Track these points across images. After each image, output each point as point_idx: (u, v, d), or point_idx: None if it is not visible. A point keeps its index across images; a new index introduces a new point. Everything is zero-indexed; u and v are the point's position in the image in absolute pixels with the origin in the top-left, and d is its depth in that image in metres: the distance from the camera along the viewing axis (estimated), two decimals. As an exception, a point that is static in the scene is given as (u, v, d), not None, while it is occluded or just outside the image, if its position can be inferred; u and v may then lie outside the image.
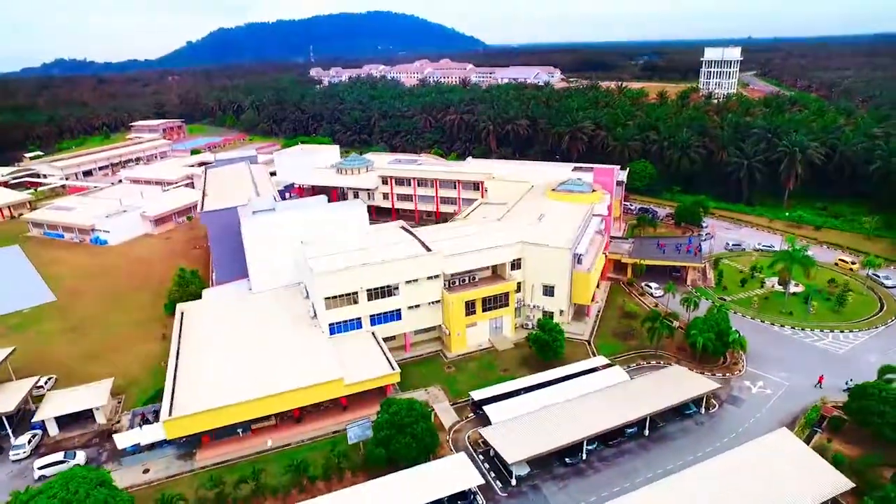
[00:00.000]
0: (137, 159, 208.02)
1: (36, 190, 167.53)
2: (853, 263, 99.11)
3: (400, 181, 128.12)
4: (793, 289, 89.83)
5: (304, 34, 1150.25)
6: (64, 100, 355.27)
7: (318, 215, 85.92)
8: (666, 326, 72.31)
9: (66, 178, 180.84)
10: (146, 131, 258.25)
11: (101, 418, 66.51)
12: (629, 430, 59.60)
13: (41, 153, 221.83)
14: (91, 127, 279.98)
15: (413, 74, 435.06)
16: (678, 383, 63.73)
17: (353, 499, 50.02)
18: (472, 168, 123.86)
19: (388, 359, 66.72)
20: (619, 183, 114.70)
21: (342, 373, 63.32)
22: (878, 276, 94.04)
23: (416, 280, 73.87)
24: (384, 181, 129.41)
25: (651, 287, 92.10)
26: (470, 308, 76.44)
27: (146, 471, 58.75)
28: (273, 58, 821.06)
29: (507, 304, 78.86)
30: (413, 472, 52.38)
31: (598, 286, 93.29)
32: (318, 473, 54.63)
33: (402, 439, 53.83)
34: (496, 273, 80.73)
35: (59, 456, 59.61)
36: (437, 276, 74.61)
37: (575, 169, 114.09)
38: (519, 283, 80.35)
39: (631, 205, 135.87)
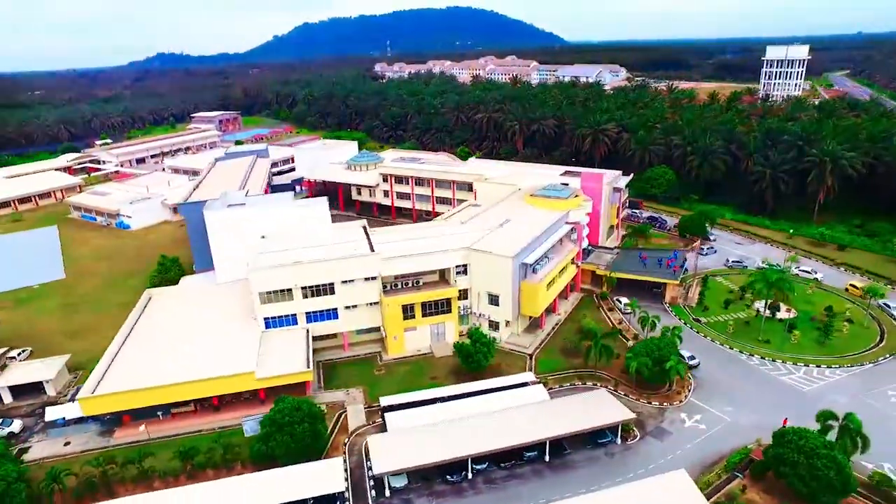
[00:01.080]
0: (187, 149, 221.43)
1: (89, 175, 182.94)
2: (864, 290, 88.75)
3: (399, 179, 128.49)
4: (783, 314, 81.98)
5: (384, 29, 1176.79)
6: (147, 91, 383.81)
7: (281, 211, 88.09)
8: (602, 346, 68.16)
9: (121, 165, 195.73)
10: (204, 122, 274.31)
11: (50, 391, 71.93)
12: (528, 454, 56.83)
13: (109, 140, 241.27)
14: (161, 117, 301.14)
15: (474, 71, 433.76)
16: (595, 409, 59.95)
17: (218, 490, 51.27)
18: (467, 169, 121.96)
19: (306, 357, 67.45)
20: (616, 189, 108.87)
21: (254, 366, 64.79)
22: (890, 307, 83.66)
23: (352, 280, 74.04)
24: (385, 179, 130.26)
25: (620, 302, 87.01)
26: (408, 312, 75.65)
27: (67, 443, 63.01)
28: (352, 52, 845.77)
29: (449, 311, 77.34)
30: (282, 472, 52.91)
31: (566, 297, 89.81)
32: (204, 462, 56.22)
33: (280, 438, 54.40)
34: (444, 278, 79.34)
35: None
36: (374, 278, 74.36)
37: (565, 173, 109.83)
38: (466, 290, 78.57)
39: (641, 213, 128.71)
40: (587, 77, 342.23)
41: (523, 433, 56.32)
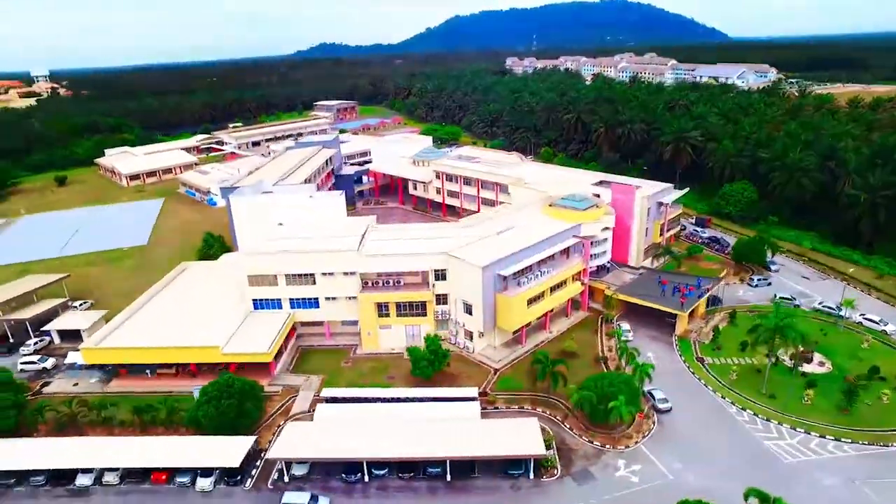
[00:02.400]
0: (299, 135, 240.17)
1: (208, 155, 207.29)
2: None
3: (450, 178, 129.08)
4: (813, 367, 70.13)
5: (535, 23, 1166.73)
6: (290, 79, 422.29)
7: (299, 202, 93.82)
8: (551, 373, 63.92)
9: (238, 148, 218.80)
10: (324, 110, 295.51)
11: (85, 338, 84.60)
12: (431, 469, 55.75)
13: (240, 124, 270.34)
14: (293, 104, 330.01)
15: (607, 68, 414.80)
16: (513, 437, 56.67)
17: (136, 444, 58.53)
18: (509, 171, 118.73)
19: (272, 341, 71.85)
20: (661, 204, 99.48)
21: (223, 342, 70.71)
22: (962, 378, 67.56)
23: (332, 273, 77.12)
24: (437, 176, 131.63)
25: (621, 327, 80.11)
26: (383, 310, 77.08)
27: (76, 384, 74.07)
28: (497, 45, 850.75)
29: (424, 314, 77.30)
30: (198, 439, 58.46)
31: (566, 315, 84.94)
32: (148, 420, 63.13)
33: (206, 409, 59.36)
34: (426, 281, 79.28)
35: (34, 358, 78.26)
36: (353, 273, 76.67)
37: (600, 183, 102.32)
38: (446, 296, 77.82)
39: (702, 232, 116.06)
40: (727, 78, 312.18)
41: (426, 447, 55.42)
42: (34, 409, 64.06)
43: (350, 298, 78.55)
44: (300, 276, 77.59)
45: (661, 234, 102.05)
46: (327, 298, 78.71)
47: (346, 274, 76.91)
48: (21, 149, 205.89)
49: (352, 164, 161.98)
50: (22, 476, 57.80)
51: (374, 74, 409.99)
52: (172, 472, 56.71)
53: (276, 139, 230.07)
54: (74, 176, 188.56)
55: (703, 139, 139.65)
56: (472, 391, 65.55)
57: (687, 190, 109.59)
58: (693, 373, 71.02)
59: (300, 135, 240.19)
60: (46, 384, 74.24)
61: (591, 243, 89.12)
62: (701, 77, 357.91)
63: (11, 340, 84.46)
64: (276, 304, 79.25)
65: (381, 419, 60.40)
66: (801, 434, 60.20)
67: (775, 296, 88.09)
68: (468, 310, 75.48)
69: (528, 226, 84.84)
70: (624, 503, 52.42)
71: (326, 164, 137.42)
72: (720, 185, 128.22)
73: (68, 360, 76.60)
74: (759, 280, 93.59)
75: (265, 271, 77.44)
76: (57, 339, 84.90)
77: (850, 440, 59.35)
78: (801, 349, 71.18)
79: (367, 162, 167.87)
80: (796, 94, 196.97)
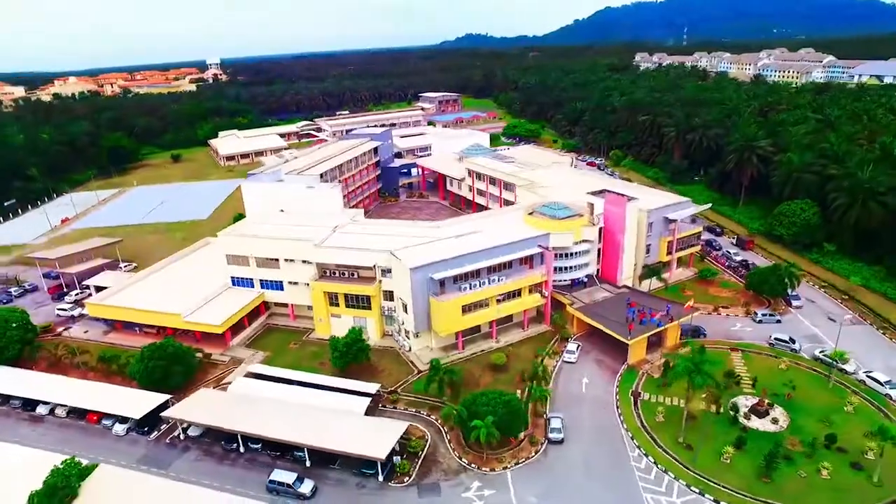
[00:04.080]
0: (392, 125, 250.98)
1: (300, 140, 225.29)
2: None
3: (479, 176, 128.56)
4: (762, 423, 61.50)
5: (693, 14, 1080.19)
6: (413, 69, 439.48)
7: (300, 191, 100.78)
8: (439, 381, 63.24)
9: (333, 135, 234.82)
10: (427, 102, 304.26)
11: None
12: (297, 452, 58.98)
13: (346, 112, 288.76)
14: (404, 94, 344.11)
15: (746, 65, 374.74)
16: (371, 437, 57.28)
17: (81, 387, 69.56)
18: (527, 174, 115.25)
19: (227, 316, 79.45)
20: (670, 220, 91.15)
21: (186, 311, 79.75)
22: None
23: (292, 260, 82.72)
24: (469, 174, 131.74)
25: (565, 347, 75.91)
26: (333, 299, 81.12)
27: (86, 332, 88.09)
28: (648, 38, 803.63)
29: (369, 307, 79.89)
30: (124, 391, 68.10)
31: (524, 328, 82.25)
32: (106, 368, 73.85)
33: (138, 366, 68.46)
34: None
35: (67, 306, 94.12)
36: (308, 262, 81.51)
37: (601, 192, 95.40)
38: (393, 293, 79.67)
39: (737, 254, 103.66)
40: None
41: (292, 432, 58.60)
42: (34, 347, 77.99)
43: (308, 285, 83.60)
44: (267, 259, 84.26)
45: (668, 253, 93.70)
46: (290, 283, 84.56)
47: (304, 262, 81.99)
48: (158, 129, 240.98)
49: (418, 157, 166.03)
50: (6, 399, 71.19)
51: (489, 67, 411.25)
52: (102, 415, 66.28)
53: (368, 128, 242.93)
54: (189, 154, 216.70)
55: (773, 150, 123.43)
56: (373, 387, 67.22)
57: (709, 206, 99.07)
58: (617, 407, 65.63)
59: (393, 125, 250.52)
60: (67, 329, 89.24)
61: (568, 255, 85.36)
62: (860, 76, 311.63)
63: (65, 290, 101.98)
64: (248, 283, 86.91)
65: (276, 400, 64.66)
66: (692, 494, 53.46)
67: (771, 336, 77.19)
68: (405, 308, 76.67)
69: (495, 231, 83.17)
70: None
71: (370, 155, 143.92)
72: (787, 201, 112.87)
73: (85, 311, 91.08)
74: (764, 315, 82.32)
75: (238, 252, 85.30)
76: (94, 293, 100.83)
77: (761, 512, 51.75)
78: (758, 401, 63.09)
79: (425, 156, 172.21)
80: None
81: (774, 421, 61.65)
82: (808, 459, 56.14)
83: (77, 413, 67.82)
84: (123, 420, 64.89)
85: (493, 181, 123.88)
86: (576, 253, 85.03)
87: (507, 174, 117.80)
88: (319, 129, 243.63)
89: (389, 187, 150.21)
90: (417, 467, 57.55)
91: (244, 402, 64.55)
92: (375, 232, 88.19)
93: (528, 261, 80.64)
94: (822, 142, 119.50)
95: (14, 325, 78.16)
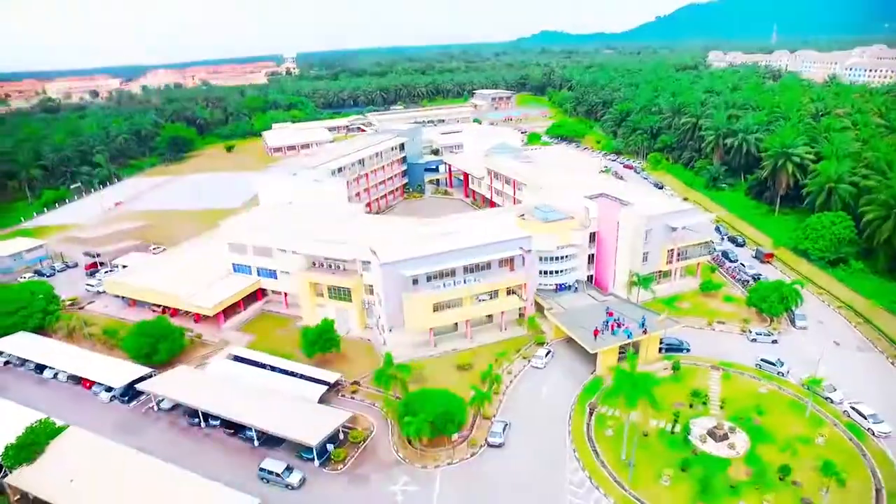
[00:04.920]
0: (441, 121, 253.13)
1: (347, 134, 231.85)
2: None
3: (496, 175, 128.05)
4: (717, 448, 58.54)
5: (786, 8, 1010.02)
6: (476, 66, 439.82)
7: (308, 184, 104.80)
8: (387, 377, 64.23)
9: (376, 131, 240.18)
10: (480, 99, 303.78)
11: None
12: (248, 432, 62.24)
13: (400, 107, 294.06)
14: (462, 90, 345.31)
15: (830, 65, 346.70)
16: (312, 424, 59.39)
17: (80, 356, 75.86)
18: (542, 174, 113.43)
19: (219, 301, 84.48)
20: (672, 228, 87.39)
21: (183, 294, 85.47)
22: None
23: (283, 250, 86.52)
24: (489, 173, 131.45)
25: (536, 353, 74.98)
26: (317, 290, 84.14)
27: (106, 306, 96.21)
28: (736, 36, 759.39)
29: (350, 299, 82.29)
30: (114, 362, 74.63)
31: (502, 329, 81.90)
32: (107, 341, 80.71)
33: (128, 341, 74.40)
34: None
35: (94, 282, 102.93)
36: (295, 253, 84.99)
37: (600, 195, 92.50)
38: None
39: (750, 267, 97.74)
40: None
41: (242, 412, 61.94)
42: (54, 317, 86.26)
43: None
44: (262, 248, 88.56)
45: (668, 262, 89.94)
46: (282, 272, 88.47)
47: (293, 252, 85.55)
48: (219, 120, 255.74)
49: (453, 153, 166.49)
50: (23, 361, 79.42)
51: (552, 65, 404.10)
52: (93, 383, 72.62)
53: (415, 123, 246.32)
54: (242, 145, 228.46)
55: (813, 157, 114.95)
56: (333, 377, 69.64)
57: (714, 215, 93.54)
58: (570, 417, 64.33)
59: (441, 121, 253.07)
60: (91, 303, 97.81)
61: (553, 258, 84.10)
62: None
63: (98, 268, 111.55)
64: (247, 269, 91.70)
65: (243, 382, 68.30)
66: (599, 507, 52.07)
67: (758, 357, 72.67)
68: (381, 303, 78.42)
69: (483, 230, 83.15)
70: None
71: (396, 151, 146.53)
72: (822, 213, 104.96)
73: (104, 289, 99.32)
74: (759, 333, 77.53)
75: (237, 240, 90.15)
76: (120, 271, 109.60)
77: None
78: (716, 424, 60.20)
79: (459, 153, 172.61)
80: None
81: (731, 446, 58.44)
82: (755, 491, 53.03)
83: (75, 379, 74.61)
84: (108, 389, 70.82)
85: (507, 181, 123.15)
86: (561, 257, 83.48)
87: (519, 175, 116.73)
88: (369, 124, 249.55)
89: (415, 183, 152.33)
90: (355, 457, 59.28)
91: (214, 381, 68.75)
92: (367, 226, 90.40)
93: (509, 263, 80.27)
94: (869, 150, 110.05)
95: (41, 296, 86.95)
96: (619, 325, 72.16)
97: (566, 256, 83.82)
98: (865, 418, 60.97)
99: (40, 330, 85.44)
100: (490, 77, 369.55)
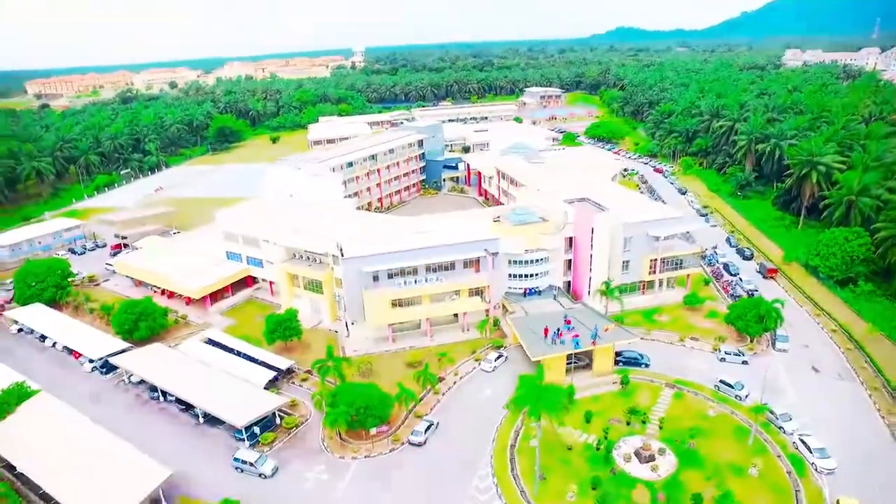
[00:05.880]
0: (485, 118, 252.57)
1: (385, 128, 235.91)
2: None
3: (503, 175, 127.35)
4: (639, 469, 56.76)
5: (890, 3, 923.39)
6: (532, 63, 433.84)
7: (306, 179, 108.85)
8: (321, 370, 66.28)
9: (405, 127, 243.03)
10: (529, 96, 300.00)
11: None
12: (196, 410, 66.47)
13: (449, 102, 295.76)
14: (514, 87, 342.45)
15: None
16: (248, 407, 62.55)
17: (78, 330, 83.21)
18: (536, 179, 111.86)
19: (206, 285, 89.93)
20: (655, 237, 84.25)
21: (174, 277, 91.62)
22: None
23: (267, 241, 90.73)
24: (496, 173, 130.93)
25: (486, 357, 74.79)
26: (294, 280, 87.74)
27: (116, 285, 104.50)
28: (831, 33, 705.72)
29: (321, 291, 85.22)
30: (100, 336, 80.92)
31: (464, 329, 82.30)
32: (107, 317, 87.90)
33: (114, 318, 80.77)
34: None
35: (113, 261, 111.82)
36: (276, 244, 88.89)
37: (582, 199, 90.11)
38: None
39: (747, 282, 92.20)
40: None
41: (189, 391, 66.23)
42: (66, 292, 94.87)
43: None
44: (250, 238, 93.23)
45: (652, 272, 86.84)
46: (267, 262, 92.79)
47: (275, 244, 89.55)
48: (271, 112, 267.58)
49: (483, 151, 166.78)
50: (32, 330, 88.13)
51: (614, 63, 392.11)
52: (80, 354, 79.60)
53: (457, 121, 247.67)
54: (289, 137, 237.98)
55: (842, 166, 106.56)
56: (286, 364, 72.85)
57: (706, 224, 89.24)
58: (500, 424, 63.96)
59: (485, 118, 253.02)
60: (106, 280, 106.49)
61: (522, 262, 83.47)
62: None
63: (122, 249, 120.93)
64: (238, 257, 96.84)
65: (203, 362, 72.79)
66: (515, 521, 51.72)
67: (717, 380, 69.05)
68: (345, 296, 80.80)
69: (454, 231, 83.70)
70: (258, 494, 55.22)
71: (414, 148, 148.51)
72: (842, 226, 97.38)
73: (116, 269, 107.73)
74: (728, 353, 73.58)
75: (229, 230, 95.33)
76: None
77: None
78: (642, 444, 58.37)
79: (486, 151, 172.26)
80: None
81: (654, 468, 56.33)
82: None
83: (68, 350, 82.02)
84: (91, 360, 77.45)
85: (513, 181, 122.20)
86: (531, 261, 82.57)
87: (522, 176, 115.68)
88: (412, 119, 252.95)
89: (431, 180, 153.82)
90: (283, 442, 62.03)
91: (178, 360, 73.63)
92: (353, 221, 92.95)
93: (475, 264, 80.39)
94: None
95: (58, 271, 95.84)
96: (565, 334, 70.57)
97: (537, 260, 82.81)
98: (811, 451, 56.93)
99: (53, 303, 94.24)
100: (546, 74, 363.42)
